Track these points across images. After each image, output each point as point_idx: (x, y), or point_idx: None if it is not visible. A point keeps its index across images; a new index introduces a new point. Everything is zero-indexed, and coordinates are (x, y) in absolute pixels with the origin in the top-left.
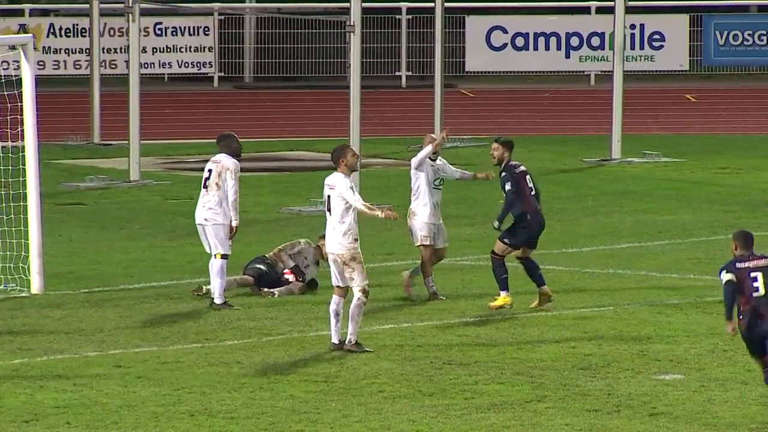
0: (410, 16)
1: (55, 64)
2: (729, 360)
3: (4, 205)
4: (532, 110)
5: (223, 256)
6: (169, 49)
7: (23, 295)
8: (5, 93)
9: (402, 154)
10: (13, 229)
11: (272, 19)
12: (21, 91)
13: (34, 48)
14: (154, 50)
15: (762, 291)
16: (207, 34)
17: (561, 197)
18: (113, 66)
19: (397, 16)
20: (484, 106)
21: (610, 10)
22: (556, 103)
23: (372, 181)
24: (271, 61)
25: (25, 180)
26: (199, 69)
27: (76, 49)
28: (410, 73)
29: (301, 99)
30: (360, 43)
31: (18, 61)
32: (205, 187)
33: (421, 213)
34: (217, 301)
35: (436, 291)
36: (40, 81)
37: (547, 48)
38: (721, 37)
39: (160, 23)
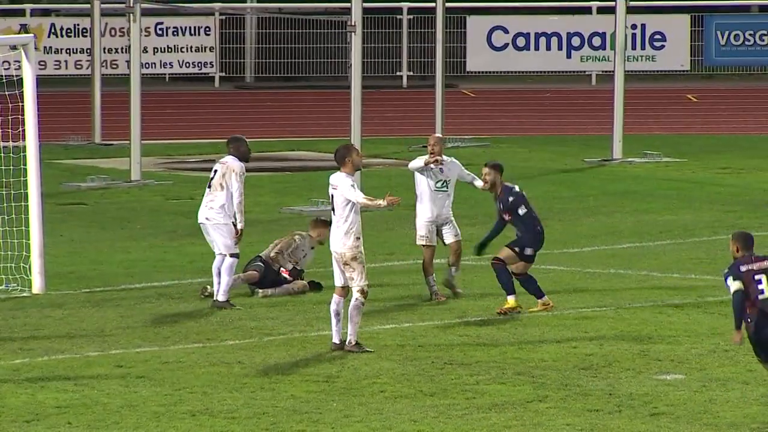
0: (411, 16)
1: (56, 64)
2: (730, 360)
3: (5, 205)
4: (533, 110)
5: (233, 255)
6: (170, 49)
7: (24, 295)
8: (6, 93)
9: (403, 154)
10: (15, 229)
11: (273, 19)
12: (22, 91)
13: (35, 48)
14: (155, 50)
15: (767, 293)
16: (208, 34)
17: (562, 197)
18: (114, 66)
19: (398, 16)
20: (485, 106)
21: (612, 10)
22: (557, 103)
23: (373, 181)
24: (272, 61)
25: (26, 180)
26: (200, 69)
27: (77, 49)
28: (411, 73)
29: (302, 99)
30: (361, 43)
31: (19, 61)
32: (209, 186)
33: (420, 214)
34: (221, 298)
35: (437, 290)
36: (41, 81)
37: (548, 48)
38: (723, 37)
39: (161, 23)
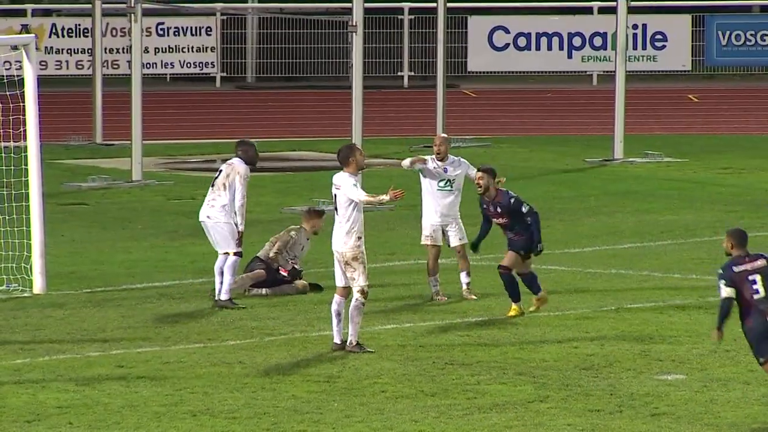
0: (412, 16)
1: (57, 65)
2: (731, 360)
3: (6, 205)
4: (534, 110)
5: (236, 254)
6: (171, 49)
7: (25, 295)
8: (8, 93)
9: (404, 155)
10: (16, 229)
11: (274, 19)
12: (23, 92)
13: (37, 48)
14: (157, 50)
15: (762, 293)
16: (209, 35)
17: (563, 197)
18: (115, 66)
19: (400, 16)
20: (487, 106)
21: (613, 10)
22: (558, 103)
23: (374, 182)
24: (274, 61)
25: (27, 180)
26: (202, 69)
27: (78, 49)
28: (412, 73)
29: (303, 99)
30: (362, 43)
31: (20, 62)
32: (213, 185)
33: (425, 214)
34: (223, 297)
35: (438, 290)
36: (42, 81)
37: (549, 48)
38: (724, 38)
39: (163, 23)
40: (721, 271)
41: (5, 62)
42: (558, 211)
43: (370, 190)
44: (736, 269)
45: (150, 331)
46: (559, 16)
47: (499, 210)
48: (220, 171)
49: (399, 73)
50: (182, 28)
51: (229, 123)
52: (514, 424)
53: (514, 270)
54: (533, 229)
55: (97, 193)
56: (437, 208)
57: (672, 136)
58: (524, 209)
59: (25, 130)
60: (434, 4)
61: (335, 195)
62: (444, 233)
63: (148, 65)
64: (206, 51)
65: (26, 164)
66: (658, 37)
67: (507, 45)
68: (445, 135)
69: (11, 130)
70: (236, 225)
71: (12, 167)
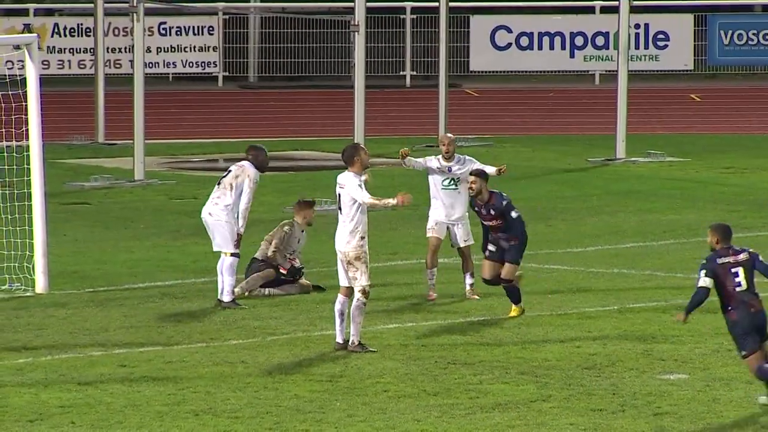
0: (414, 16)
1: (59, 64)
2: (734, 360)
3: (8, 204)
4: (536, 110)
5: (233, 254)
6: (173, 49)
7: (28, 294)
8: (10, 92)
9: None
10: (18, 228)
11: (277, 19)
12: (26, 91)
13: (39, 47)
14: (159, 50)
15: (744, 285)
16: (211, 34)
17: (565, 197)
18: (118, 66)
19: (402, 16)
20: (489, 106)
21: (615, 10)
22: (560, 103)
23: (377, 181)
24: (276, 60)
25: (29, 179)
26: (204, 69)
27: (80, 49)
28: (414, 73)
29: (306, 99)
30: (364, 42)
31: (23, 61)
32: (219, 183)
33: (432, 212)
34: (226, 298)
35: (433, 285)
36: (44, 80)
37: (551, 47)
38: (726, 37)
39: (165, 23)
40: (704, 262)
41: (7, 62)
42: (560, 211)
43: (373, 189)
44: (719, 261)
45: (152, 330)
46: (562, 16)
47: (492, 212)
48: (229, 170)
49: (401, 73)
50: (184, 27)
51: (232, 122)
52: (516, 423)
53: (490, 275)
54: (521, 239)
55: (100, 192)
56: (443, 207)
57: (674, 135)
58: (513, 215)
59: (27, 130)
60: (436, 4)
61: (339, 194)
62: (450, 231)
63: (150, 65)
64: (208, 50)
65: (29, 164)
66: (661, 36)
67: (509, 44)
68: (451, 135)
69: (14, 130)
70: (236, 225)
71: (14, 167)
